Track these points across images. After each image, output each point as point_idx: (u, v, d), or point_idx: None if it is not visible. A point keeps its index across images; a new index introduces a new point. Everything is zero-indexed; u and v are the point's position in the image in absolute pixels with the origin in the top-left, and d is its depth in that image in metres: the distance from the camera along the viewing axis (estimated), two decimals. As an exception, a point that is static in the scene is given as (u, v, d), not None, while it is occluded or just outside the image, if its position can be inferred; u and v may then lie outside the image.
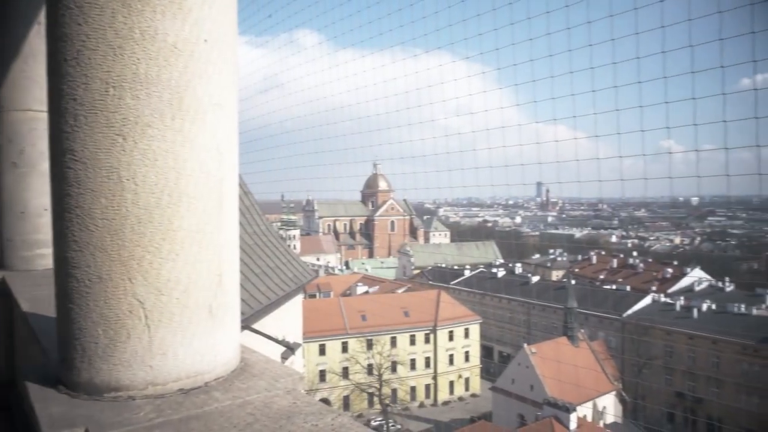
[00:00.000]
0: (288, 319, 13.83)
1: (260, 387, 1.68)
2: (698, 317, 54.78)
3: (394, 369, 57.93)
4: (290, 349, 10.39)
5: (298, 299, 17.31)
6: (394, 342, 58.73)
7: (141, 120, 1.57)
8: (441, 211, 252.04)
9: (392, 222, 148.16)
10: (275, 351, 9.89)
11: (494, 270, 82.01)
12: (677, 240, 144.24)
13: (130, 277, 1.58)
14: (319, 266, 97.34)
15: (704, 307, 55.92)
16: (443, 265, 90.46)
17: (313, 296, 65.88)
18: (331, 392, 55.53)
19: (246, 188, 14.11)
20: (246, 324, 9.47)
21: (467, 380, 63.21)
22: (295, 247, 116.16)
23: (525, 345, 50.64)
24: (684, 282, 69.15)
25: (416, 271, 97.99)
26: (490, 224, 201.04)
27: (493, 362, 66.88)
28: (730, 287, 65.06)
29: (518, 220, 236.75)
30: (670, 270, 73.36)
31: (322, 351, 55.73)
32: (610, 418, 48.63)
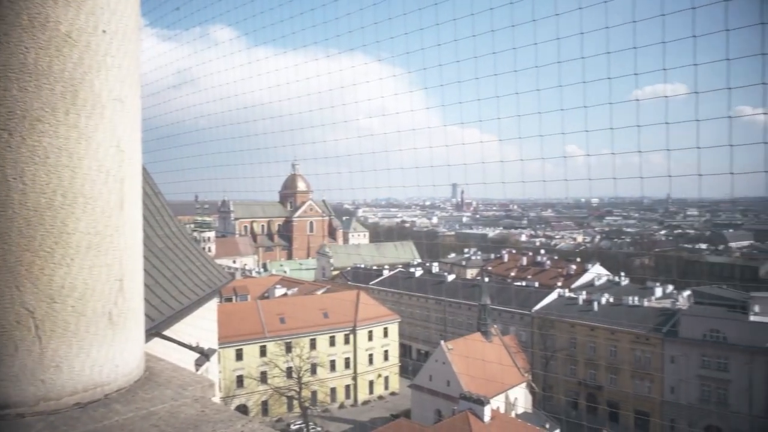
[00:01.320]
0: (202, 325, 13.31)
1: (166, 396, 1.60)
2: (598, 310, 58.89)
3: (313, 371, 57.44)
4: (205, 355, 9.99)
5: (213, 303, 16.72)
6: (313, 344, 58.22)
7: (30, 114, 1.44)
8: (360, 212, 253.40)
9: (311, 223, 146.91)
10: (189, 358, 9.48)
11: (412, 269, 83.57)
12: (579, 238, 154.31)
13: (17, 285, 1.44)
14: (236, 269, 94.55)
15: (603, 300, 60.25)
16: (362, 266, 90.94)
17: (229, 300, 63.87)
18: (249, 398, 54.11)
19: (156, 189, 13.40)
20: (156, 331, 9.00)
21: (387, 379, 63.94)
22: (210, 250, 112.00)
23: (442, 342, 52.00)
24: (586, 277, 74.29)
25: (335, 272, 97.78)
26: (408, 225, 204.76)
27: (411, 360, 68.15)
28: (625, 281, 70.67)
29: (435, 220, 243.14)
30: (573, 266, 78.47)
31: (239, 356, 54.12)
32: (521, 409, 51.12)
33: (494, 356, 50.70)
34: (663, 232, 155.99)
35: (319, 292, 68.05)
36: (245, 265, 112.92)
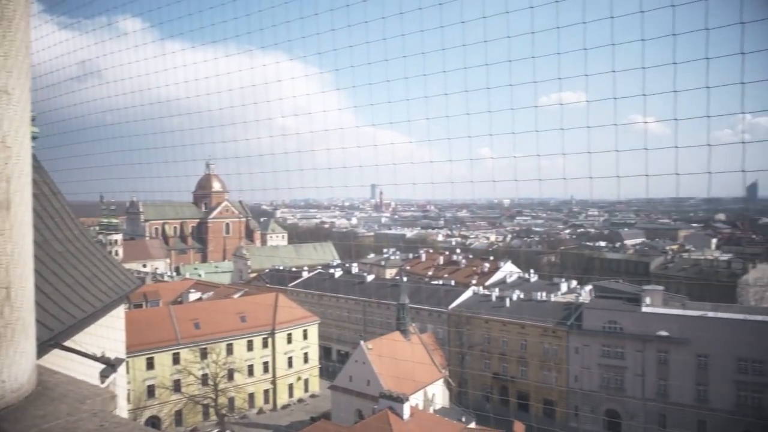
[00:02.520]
0: (109, 334, 12.50)
1: (61, 412, 1.48)
2: (510, 306, 61.74)
3: (230, 377, 55.69)
4: (111, 366, 9.37)
5: (121, 310, 15.74)
6: (230, 349, 56.42)
7: None
8: (278, 213, 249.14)
9: (227, 224, 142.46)
10: (93, 370, 8.87)
11: (332, 270, 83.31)
12: (492, 237, 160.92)
13: None
14: (146, 273, 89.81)
15: (514, 296, 63.23)
16: (281, 268, 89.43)
17: (139, 306, 60.55)
18: (162, 408, 51.49)
19: (55, 189, 12.44)
20: (56, 341, 8.35)
21: (306, 382, 63.27)
22: (117, 254, 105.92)
23: (362, 342, 52.24)
24: (498, 275, 77.65)
25: (253, 275, 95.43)
26: (327, 225, 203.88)
27: (332, 362, 67.90)
28: (534, 278, 74.64)
29: (354, 221, 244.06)
30: (487, 265, 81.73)
31: (150, 365, 51.33)
32: (439, 404, 52.47)
33: (413, 354, 51.66)
34: (567, 231, 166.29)
35: (236, 296, 66.08)
36: (156, 269, 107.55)
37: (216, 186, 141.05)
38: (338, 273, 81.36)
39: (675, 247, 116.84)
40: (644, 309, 54.43)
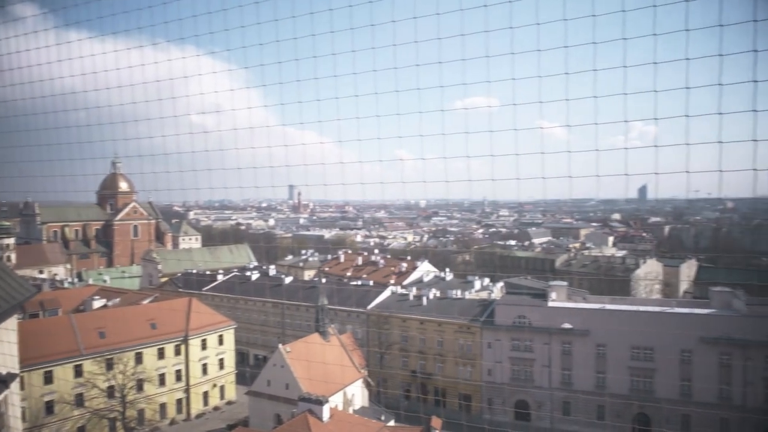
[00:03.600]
0: (-1, 347, 11.63)
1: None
2: (427, 304, 63.37)
3: (140, 388, 52.85)
4: (2, 382, 8.75)
5: (13, 321, 14.57)
6: (139, 358, 53.50)
7: None
8: (191, 215, 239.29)
9: (135, 226, 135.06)
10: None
11: (248, 273, 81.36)
12: (410, 237, 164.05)
13: None
14: (43, 280, 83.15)
15: (431, 295, 64.98)
16: (194, 271, 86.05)
17: (35, 316, 55.92)
18: (63, 425, 47.83)
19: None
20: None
21: (222, 388, 61.37)
22: (9, 259, 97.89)
23: (280, 345, 51.50)
24: (416, 274, 79.49)
25: (164, 279, 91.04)
26: (243, 227, 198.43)
27: (249, 367, 66.24)
28: (449, 276, 77.11)
29: (271, 222, 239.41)
30: (404, 264, 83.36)
31: (48, 379, 47.49)
32: (358, 404, 52.82)
33: (332, 356, 51.69)
34: (480, 231, 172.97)
35: (146, 302, 62.77)
36: (55, 275, 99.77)
37: (123, 186, 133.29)
38: (255, 276, 79.59)
39: (577, 245, 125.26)
40: (550, 304, 57.94)
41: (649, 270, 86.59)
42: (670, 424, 51.09)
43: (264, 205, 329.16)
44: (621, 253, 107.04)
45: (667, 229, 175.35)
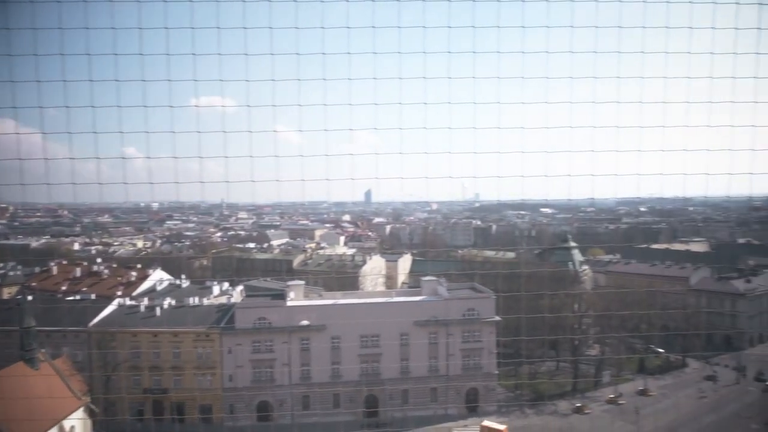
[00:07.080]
0: None
1: None
2: (161, 315, 59.24)
3: None
4: None
5: None
6: None
7: None
8: None
9: None
10: None
11: None
12: (140, 244, 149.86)
13: None
14: None
15: (166, 304, 60.96)
16: None
17: None
18: None
19: None
20: None
21: None
22: None
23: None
24: (148, 283, 73.26)
25: None
26: None
27: None
28: (186, 283, 73.38)
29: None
30: (134, 273, 75.97)
31: None
32: (78, 436, 46.24)
33: (44, 386, 44.25)
34: (219, 234, 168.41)
35: None
36: None
37: None
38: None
39: (313, 245, 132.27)
40: (288, 303, 60.30)
41: (375, 265, 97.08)
42: (393, 400, 58.49)
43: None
44: (351, 251, 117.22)
45: (388, 228, 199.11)
